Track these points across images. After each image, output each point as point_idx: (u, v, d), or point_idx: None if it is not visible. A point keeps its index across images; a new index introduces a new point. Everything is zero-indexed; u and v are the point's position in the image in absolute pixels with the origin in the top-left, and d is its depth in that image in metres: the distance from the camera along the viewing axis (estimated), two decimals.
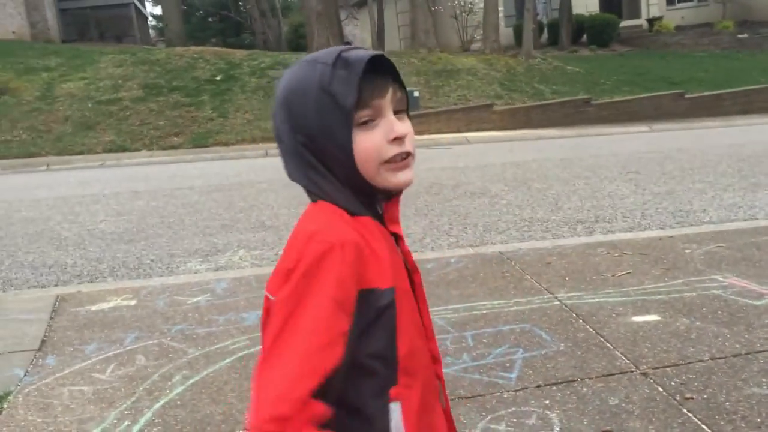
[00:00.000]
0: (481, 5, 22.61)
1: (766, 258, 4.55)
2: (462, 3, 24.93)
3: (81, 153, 14.44)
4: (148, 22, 46.36)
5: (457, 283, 4.38)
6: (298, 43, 32.71)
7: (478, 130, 16.33)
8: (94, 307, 4.27)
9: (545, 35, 25.70)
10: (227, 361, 3.34)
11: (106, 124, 15.71)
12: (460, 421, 2.61)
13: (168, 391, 3.04)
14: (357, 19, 39.54)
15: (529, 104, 17.41)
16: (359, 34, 39.73)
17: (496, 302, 4.00)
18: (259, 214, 7.34)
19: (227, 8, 41.27)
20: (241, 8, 41.88)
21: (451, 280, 4.46)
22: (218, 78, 18.10)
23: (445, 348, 3.28)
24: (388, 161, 1.07)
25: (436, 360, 1.20)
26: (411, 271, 1.16)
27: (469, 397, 2.83)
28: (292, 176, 1.13)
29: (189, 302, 4.29)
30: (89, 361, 3.42)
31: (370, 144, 1.05)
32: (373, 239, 1.06)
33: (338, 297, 0.98)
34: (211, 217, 7.26)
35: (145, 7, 43.84)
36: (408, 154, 1.09)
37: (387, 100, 1.07)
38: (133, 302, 4.34)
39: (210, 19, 44.65)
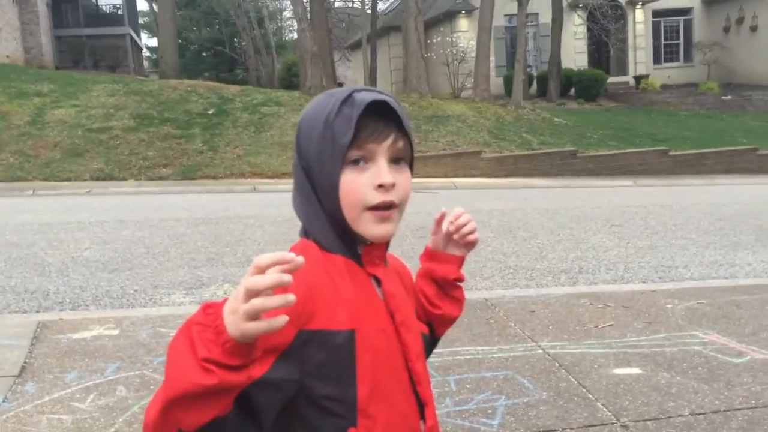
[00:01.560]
0: (473, 54, 23.04)
1: (746, 316, 4.62)
2: (454, 51, 25.39)
3: (68, 180, 14.40)
4: (143, 53, 46.73)
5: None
6: (290, 81, 33.05)
7: (465, 176, 16.50)
8: (75, 335, 4.24)
9: (534, 87, 26.19)
10: None
11: (95, 152, 15.70)
12: None
13: None
14: (350, 60, 40.07)
15: (516, 153, 17.64)
16: (352, 75, 40.24)
17: (479, 348, 4.02)
18: (246, 249, 7.34)
19: (222, 44, 41.69)
20: (236, 45, 42.35)
21: None
22: (210, 112, 18.21)
23: None
24: (371, 208, 1.06)
25: (424, 404, 1.16)
26: (392, 312, 1.13)
27: None
28: (294, 201, 1.15)
29: (172, 334, 4.26)
30: (69, 390, 3.39)
31: (354, 185, 1.05)
32: (338, 279, 1.07)
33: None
34: (196, 250, 7.25)
35: (140, 38, 44.23)
36: (391, 205, 1.08)
37: (383, 146, 1.06)
38: (115, 332, 4.31)
39: (204, 54, 45.07)
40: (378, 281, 1.14)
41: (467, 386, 3.43)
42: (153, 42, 47.15)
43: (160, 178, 14.93)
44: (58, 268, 6.36)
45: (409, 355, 1.14)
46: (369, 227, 1.08)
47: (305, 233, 1.14)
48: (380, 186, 1.05)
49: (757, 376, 3.51)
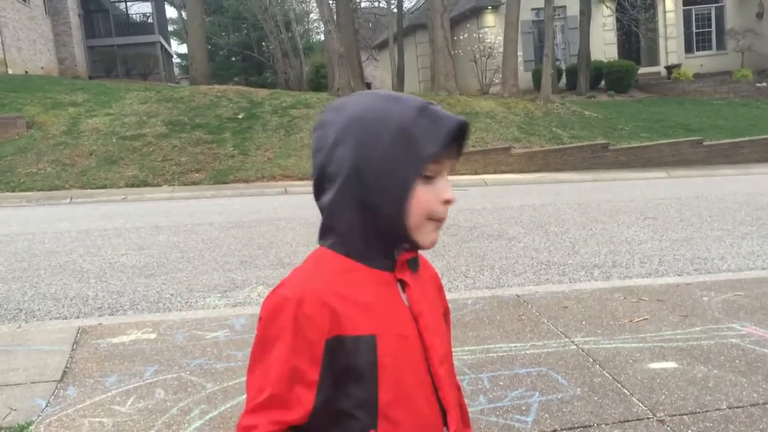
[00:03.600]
0: (501, 50, 22.90)
1: None
2: (482, 47, 25.27)
3: (104, 187, 14.67)
4: (173, 60, 47.38)
5: (474, 325, 4.40)
6: (319, 83, 33.21)
7: (495, 172, 16.43)
8: (114, 340, 4.33)
9: (564, 80, 25.92)
10: (245, 396, 3.36)
11: (130, 159, 15.97)
12: None
13: (186, 426, 3.08)
14: (377, 60, 40.14)
15: (546, 148, 17.50)
16: (379, 75, 40.31)
17: (512, 345, 4.01)
18: (278, 251, 7.41)
19: (250, 48, 42.10)
20: (264, 49, 42.72)
21: (468, 321, 4.48)
22: (240, 116, 18.40)
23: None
24: (433, 219, 1.11)
25: (446, 411, 1.17)
26: (416, 317, 1.15)
27: None
28: (330, 203, 1.11)
29: (208, 337, 4.35)
30: (109, 394, 3.47)
31: (426, 197, 1.09)
32: (354, 287, 1.09)
33: (295, 346, 1.04)
34: (230, 253, 7.34)
35: (170, 45, 44.85)
36: (444, 219, 1.14)
37: (450, 163, 1.13)
38: (152, 336, 4.40)
39: (233, 59, 45.57)
40: (404, 286, 1.16)
41: (501, 383, 3.43)
42: (183, 49, 47.77)
43: (193, 183, 15.12)
44: (96, 275, 6.50)
45: (432, 360, 1.15)
46: (427, 236, 1.12)
47: (327, 238, 1.14)
48: (446, 201, 1.12)
49: None
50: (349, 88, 20.17)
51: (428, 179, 1.09)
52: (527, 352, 3.89)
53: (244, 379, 3.57)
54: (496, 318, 4.56)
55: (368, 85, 31.02)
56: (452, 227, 8.66)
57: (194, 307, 5.35)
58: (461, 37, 27.30)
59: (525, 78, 25.00)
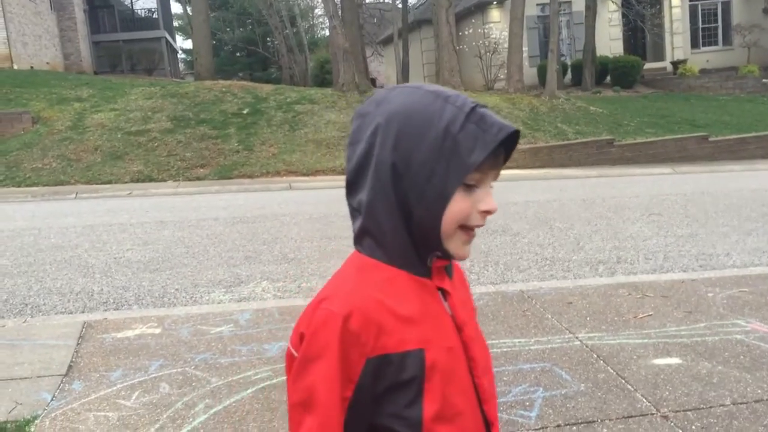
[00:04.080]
0: (506, 45, 22.84)
1: None
2: (487, 43, 25.22)
3: (109, 182, 14.69)
4: (178, 56, 47.41)
5: (478, 321, 4.39)
6: (323, 78, 33.24)
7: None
8: (119, 334, 4.35)
9: (569, 76, 25.84)
10: (249, 391, 3.38)
11: (135, 154, 15.99)
12: None
13: (191, 420, 3.09)
14: (382, 56, 40.11)
15: (551, 144, 17.46)
16: (384, 70, 40.27)
17: (516, 340, 4.01)
18: (282, 246, 7.42)
19: (255, 44, 42.11)
20: (269, 44, 42.73)
21: None
22: (245, 111, 18.40)
23: None
24: (465, 227, 1.04)
25: (490, 424, 1.13)
26: (459, 327, 1.10)
27: None
28: (361, 202, 1.06)
29: (212, 332, 4.36)
30: (114, 388, 3.49)
31: (464, 206, 1.02)
32: (400, 300, 1.04)
33: (339, 365, 0.99)
34: (235, 248, 7.35)
35: (175, 41, 44.87)
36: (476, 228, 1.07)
37: (494, 172, 1.06)
38: (157, 330, 4.41)
39: (238, 54, 45.58)
40: (445, 294, 1.10)
41: (504, 378, 3.43)
42: (188, 44, 47.83)
43: (198, 179, 15.14)
44: (101, 269, 6.52)
45: (475, 371, 1.11)
46: (458, 246, 1.05)
47: (365, 243, 1.08)
48: (486, 211, 1.05)
49: None
50: (353, 83, 20.15)
51: (469, 188, 1.02)
52: (531, 347, 3.89)
53: (248, 373, 3.59)
54: (501, 313, 4.56)
55: (373, 81, 31.00)
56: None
57: (199, 302, 5.37)
58: (466, 33, 27.25)
59: (530, 73, 24.93)
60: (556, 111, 20.00)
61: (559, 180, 14.74)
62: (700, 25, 29.45)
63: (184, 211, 10.50)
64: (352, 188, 1.07)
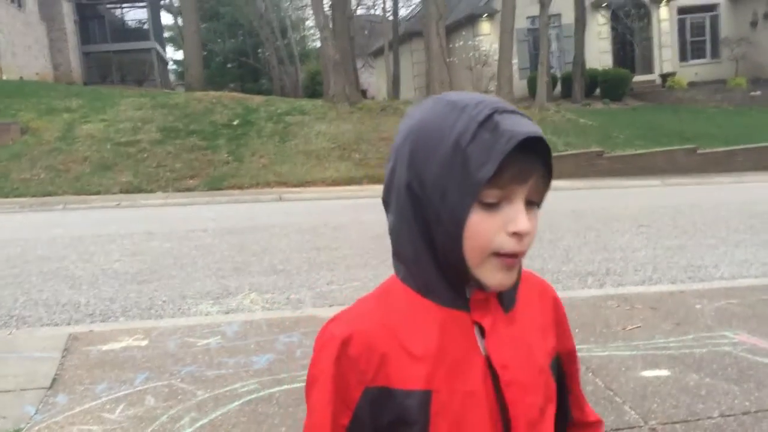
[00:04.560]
0: (496, 57, 22.97)
1: None
2: (477, 55, 25.35)
3: (98, 193, 14.64)
4: (169, 67, 47.40)
5: None
6: (314, 89, 33.30)
7: None
8: (105, 347, 4.31)
9: (559, 88, 26.00)
10: (236, 404, 3.35)
11: (124, 165, 15.95)
12: None
13: None
14: (373, 67, 40.25)
15: None
16: (375, 82, 40.39)
17: None
18: (272, 257, 7.40)
19: (246, 55, 42.18)
20: (260, 55, 42.78)
21: None
22: (235, 122, 18.40)
23: None
24: (500, 254, 0.90)
25: None
26: (496, 369, 0.94)
27: None
28: (392, 229, 0.98)
29: (199, 344, 4.32)
30: (99, 401, 3.45)
31: (484, 227, 0.89)
32: (416, 332, 0.93)
33: (335, 389, 0.93)
34: (223, 260, 7.32)
35: (166, 51, 44.88)
36: (520, 254, 0.92)
37: (524, 188, 0.90)
38: (144, 342, 4.37)
39: (229, 65, 45.59)
40: (482, 330, 0.95)
41: None
42: (179, 55, 47.84)
43: (188, 190, 15.10)
44: (88, 281, 6.47)
45: (515, 422, 0.94)
46: (492, 275, 0.91)
47: (398, 267, 0.99)
48: (515, 234, 0.89)
49: None
50: (344, 94, 20.21)
51: (490, 207, 0.89)
52: None
53: (235, 386, 3.56)
54: None
55: (364, 93, 31.07)
56: None
57: (186, 313, 5.33)
58: (457, 45, 27.39)
59: (520, 86, 25.07)
60: (545, 122, 20.09)
61: (549, 191, 14.76)
62: (689, 38, 29.74)
63: (173, 222, 10.45)
64: (386, 208, 0.98)
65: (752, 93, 25.39)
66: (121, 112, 18.79)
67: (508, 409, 0.93)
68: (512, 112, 0.90)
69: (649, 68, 28.79)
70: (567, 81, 25.44)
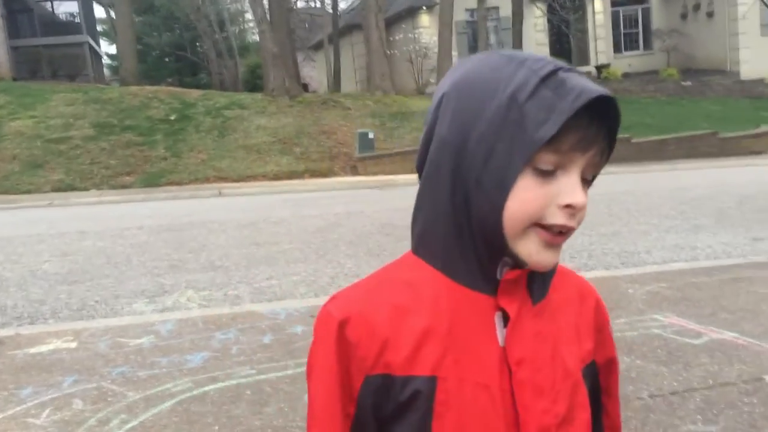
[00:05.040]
0: (436, 50, 23.09)
1: (705, 297, 4.68)
2: (417, 47, 25.43)
3: (28, 192, 14.14)
4: (103, 61, 46.08)
5: None
6: (255, 83, 32.87)
7: None
8: (32, 350, 4.15)
9: None
10: (168, 404, 3.26)
11: (56, 162, 15.45)
12: None
13: None
14: (314, 61, 39.99)
15: None
16: (317, 76, 40.14)
17: None
18: (210, 254, 7.26)
19: (183, 48, 41.31)
20: (198, 49, 41.98)
21: None
22: (172, 117, 18.02)
23: None
24: (543, 226, 0.79)
25: None
26: (512, 365, 0.82)
27: None
28: (419, 195, 0.87)
29: (132, 344, 4.21)
30: (24, 406, 3.31)
31: (533, 196, 0.77)
32: (425, 311, 0.82)
33: (335, 378, 0.83)
34: (159, 258, 7.15)
35: (99, 46, 43.60)
36: (568, 231, 0.80)
37: (584, 158, 0.79)
38: (73, 344, 4.23)
39: (166, 59, 44.62)
40: (505, 318, 0.83)
41: None
42: (113, 49, 46.55)
43: (123, 187, 14.73)
44: (16, 283, 6.23)
45: (525, 428, 0.82)
46: (533, 249, 0.79)
47: (413, 238, 0.88)
48: (568, 206, 0.78)
49: (715, 356, 3.55)
50: (284, 88, 20.01)
51: (544, 174, 0.77)
52: None
53: (168, 386, 3.47)
54: None
55: (305, 86, 30.81)
56: (388, 226, 8.66)
57: (119, 313, 5.18)
58: (397, 38, 27.42)
59: None
60: None
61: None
62: (622, 30, 30.50)
63: (107, 221, 10.17)
64: (419, 172, 0.86)
65: (683, 83, 26.20)
66: (51, 107, 18.18)
67: (520, 410, 0.81)
68: (577, 72, 0.80)
69: (585, 60, 29.40)
70: None
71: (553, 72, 0.77)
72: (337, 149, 17.39)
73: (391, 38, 26.61)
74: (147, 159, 15.94)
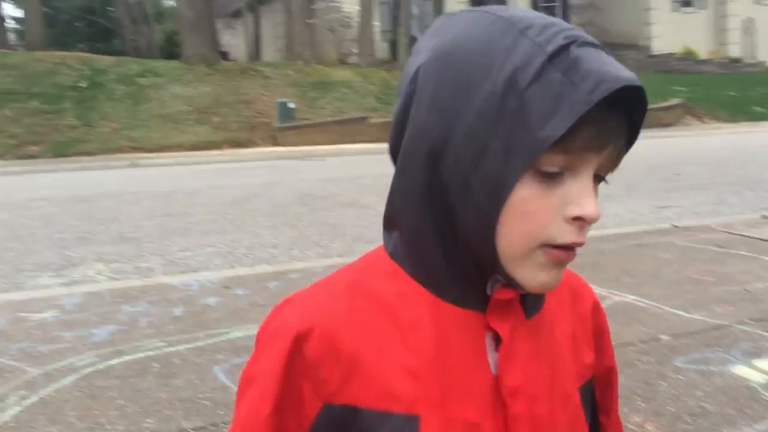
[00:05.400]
0: (358, 19, 22.91)
1: (610, 263, 4.86)
2: (339, 17, 25.15)
3: None
4: (6, 25, 43.58)
5: None
6: (172, 51, 31.77)
7: (353, 142, 16.48)
8: None
9: None
10: (70, 378, 3.15)
11: None
12: None
13: (1, 413, 2.83)
14: (234, 29, 39.01)
15: None
16: (236, 44, 39.20)
17: None
18: (120, 226, 7.03)
19: (94, 13, 39.50)
20: (111, 14, 40.23)
21: None
22: (82, 85, 17.26)
23: None
24: (548, 246, 0.61)
25: None
26: (506, 395, 0.66)
27: None
28: (392, 192, 0.71)
29: (34, 318, 4.03)
30: None
31: (538, 210, 0.60)
32: (413, 332, 0.66)
33: (280, 397, 0.66)
34: (67, 230, 6.88)
35: (2, 8, 41.18)
36: (576, 247, 0.63)
37: (599, 157, 0.62)
38: None
39: (77, 24, 42.58)
40: (497, 340, 0.67)
41: None
42: (20, 13, 44.06)
43: (30, 157, 14.08)
44: None
45: None
46: (534, 273, 0.63)
47: (389, 237, 0.71)
48: (577, 219, 0.61)
49: (617, 318, 3.69)
50: (200, 56, 19.46)
51: (548, 177, 0.60)
52: None
53: (71, 360, 3.35)
54: None
55: (224, 55, 30.02)
56: (307, 197, 8.59)
57: (22, 287, 4.96)
58: (318, 6, 27.02)
59: (382, 48, 25.21)
60: None
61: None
62: (540, 4, 31.01)
63: (10, 192, 9.70)
64: (393, 158, 0.70)
65: None
66: None
67: None
68: (595, 45, 0.61)
69: None
70: None
71: (565, 47, 0.59)
72: (256, 119, 17.09)
73: (312, 7, 26.22)
74: (55, 128, 15.25)
